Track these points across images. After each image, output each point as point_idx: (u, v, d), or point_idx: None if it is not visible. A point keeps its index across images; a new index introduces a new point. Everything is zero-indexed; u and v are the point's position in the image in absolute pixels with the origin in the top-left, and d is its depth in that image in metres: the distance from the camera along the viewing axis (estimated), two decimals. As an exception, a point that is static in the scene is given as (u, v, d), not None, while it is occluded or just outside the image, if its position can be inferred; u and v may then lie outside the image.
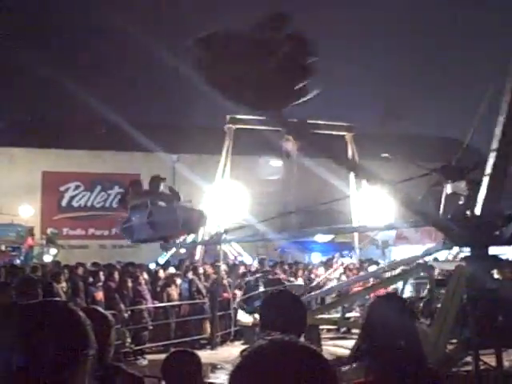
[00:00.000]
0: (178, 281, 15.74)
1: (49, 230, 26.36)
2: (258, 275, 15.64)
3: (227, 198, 16.63)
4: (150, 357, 13.65)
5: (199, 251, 19.83)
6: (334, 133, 19.33)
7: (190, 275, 16.00)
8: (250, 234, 15.80)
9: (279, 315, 2.90)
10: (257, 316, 15.26)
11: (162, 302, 14.94)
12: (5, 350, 1.67)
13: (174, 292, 15.25)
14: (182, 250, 21.43)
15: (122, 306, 13.37)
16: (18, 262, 21.23)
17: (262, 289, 13.61)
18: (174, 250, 21.36)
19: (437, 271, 11.94)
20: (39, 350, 1.63)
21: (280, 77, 6.74)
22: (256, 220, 17.83)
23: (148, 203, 13.07)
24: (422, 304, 10.87)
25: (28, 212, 28.28)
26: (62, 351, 1.65)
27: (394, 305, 2.91)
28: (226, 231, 14.94)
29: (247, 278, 15.58)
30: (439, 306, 8.94)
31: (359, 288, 15.62)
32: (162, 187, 13.87)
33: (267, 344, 1.33)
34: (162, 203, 13.14)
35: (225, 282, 16.35)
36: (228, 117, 18.03)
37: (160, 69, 23.95)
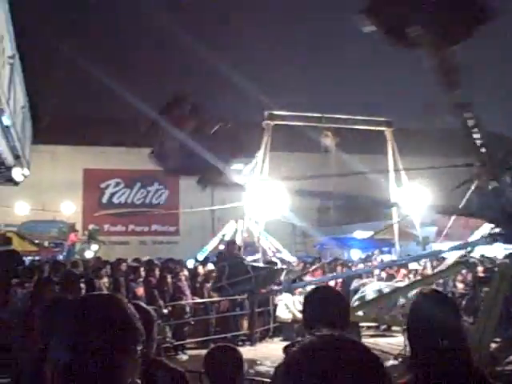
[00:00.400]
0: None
1: (90, 227, 26.78)
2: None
3: (266, 195, 16.59)
4: (190, 352, 13.74)
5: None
6: (373, 128, 19.13)
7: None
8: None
9: (323, 311, 2.87)
10: (294, 311, 15.31)
11: (202, 298, 15.01)
12: (54, 345, 1.68)
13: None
14: (221, 246, 21.54)
15: (161, 301, 13.48)
16: (60, 257, 21.64)
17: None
18: (211, 244, 21.51)
19: (480, 268, 11.72)
20: (89, 344, 1.63)
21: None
22: (295, 216, 17.84)
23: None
24: (464, 301, 10.70)
25: (70, 209, 28.79)
26: (111, 345, 1.65)
27: (438, 302, 2.84)
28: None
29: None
30: (482, 303, 8.77)
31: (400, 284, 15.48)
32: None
33: (317, 339, 1.30)
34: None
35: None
36: (266, 113, 17.98)
37: (200, 67, 24.05)
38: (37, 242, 22.85)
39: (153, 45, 28.66)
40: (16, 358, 7.53)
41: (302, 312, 3.08)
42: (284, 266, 15.08)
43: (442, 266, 13.21)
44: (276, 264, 14.39)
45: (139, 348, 1.73)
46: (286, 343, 12.20)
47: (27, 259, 18.99)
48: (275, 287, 14.20)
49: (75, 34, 24.78)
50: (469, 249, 10.60)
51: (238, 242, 20.03)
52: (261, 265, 13.96)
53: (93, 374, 1.62)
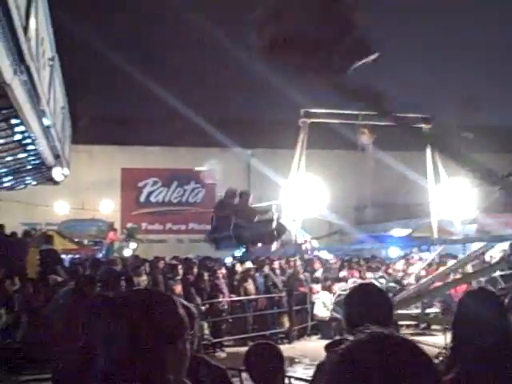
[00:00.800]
0: (255, 275, 15.86)
1: (128, 225, 27.09)
2: None
3: (303, 193, 16.54)
4: (227, 350, 13.80)
5: (275, 245, 19.86)
6: (411, 125, 18.89)
7: (266, 270, 16.08)
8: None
9: (367, 308, 2.84)
10: (334, 311, 15.26)
11: (239, 295, 15.07)
12: (102, 340, 1.70)
13: (250, 286, 15.36)
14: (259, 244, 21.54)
15: (199, 299, 13.56)
16: (99, 255, 21.94)
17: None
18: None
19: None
20: (138, 338, 1.65)
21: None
22: (332, 214, 17.73)
23: (232, 217, 13.30)
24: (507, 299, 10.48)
25: (108, 207, 29.20)
26: (161, 339, 1.66)
27: (485, 300, 2.79)
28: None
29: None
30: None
31: (440, 283, 15.28)
32: (251, 199, 14.08)
33: (367, 337, 1.28)
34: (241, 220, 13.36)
35: (301, 276, 16.34)
36: (303, 111, 17.91)
37: (235, 64, 24.06)
38: (76, 240, 23.22)
39: (189, 44, 28.76)
40: (56, 355, 7.67)
41: (345, 310, 3.05)
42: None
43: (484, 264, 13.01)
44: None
45: (188, 344, 1.74)
46: (323, 341, 12.19)
47: (67, 257, 19.33)
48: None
49: (112, 34, 25.04)
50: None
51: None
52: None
53: (143, 369, 1.63)
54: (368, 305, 2.87)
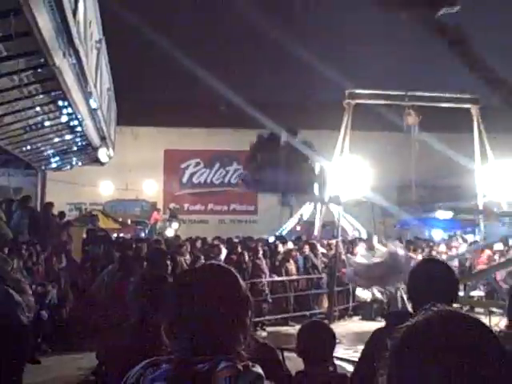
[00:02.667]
0: (297, 256, 15.91)
1: (171, 205, 27.41)
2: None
3: (347, 174, 16.48)
4: (268, 329, 13.92)
5: (317, 228, 19.87)
6: (458, 106, 18.58)
7: (307, 251, 16.09)
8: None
9: (431, 285, 2.74)
10: (374, 290, 15.21)
11: (281, 275, 15.14)
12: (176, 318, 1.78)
13: (292, 267, 15.42)
14: (298, 228, 21.58)
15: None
16: (142, 235, 22.28)
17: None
18: (290, 223, 21.58)
19: None
20: (211, 314, 1.73)
21: None
22: (376, 195, 17.61)
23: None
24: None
25: (152, 188, 29.58)
26: (236, 309, 1.75)
27: None
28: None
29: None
30: None
31: (483, 266, 15.08)
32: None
33: (434, 316, 1.28)
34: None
35: (343, 257, 16.30)
36: (347, 92, 17.80)
37: (278, 46, 23.96)
38: (120, 220, 23.62)
39: (232, 29, 28.73)
40: (101, 331, 7.87)
41: (408, 284, 2.98)
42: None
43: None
44: None
45: (250, 319, 1.82)
46: (364, 322, 12.14)
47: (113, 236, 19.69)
48: None
49: (157, 18, 25.18)
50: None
51: (317, 221, 20.07)
52: None
53: (212, 343, 1.71)
54: (432, 281, 2.79)
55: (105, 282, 8.73)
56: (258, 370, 1.73)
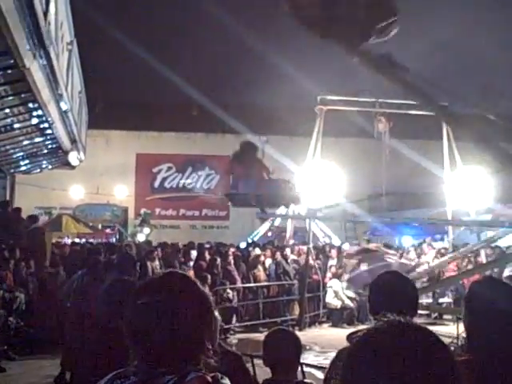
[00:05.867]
0: (267, 262, 15.89)
1: (142, 211, 27.25)
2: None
3: (318, 180, 16.56)
4: (238, 336, 13.88)
5: (289, 233, 19.92)
6: (428, 113, 18.76)
7: (278, 257, 16.09)
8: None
9: (389, 296, 2.83)
10: (343, 298, 15.29)
11: (249, 282, 15.13)
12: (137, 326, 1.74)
13: (260, 273, 15.40)
14: (269, 233, 21.61)
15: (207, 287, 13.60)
16: (113, 240, 22.10)
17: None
18: (262, 229, 21.59)
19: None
20: (174, 319, 1.70)
21: (365, 14, 7.46)
22: (347, 201, 17.70)
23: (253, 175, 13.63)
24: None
25: (123, 193, 29.36)
26: (194, 315, 1.72)
27: (499, 289, 2.78)
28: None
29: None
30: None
31: (452, 273, 15.25)
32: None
33: (384, 326, 1.30)
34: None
35: (314, 263, 16.35)
36: (319, 98, 17.89)
37: (250, 51, 24.01)
38: (91, 224, 23.39)
39: (203, 32, 28.70)
40: (69, 338, 7.76)
41: (368, 297, 3.04)
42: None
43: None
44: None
45: (215, 327, 1.80)
46: (334, 329, 12.20)
47: (82, 241, 19.48)
48: None
49: (129, 20, 25.07)
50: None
51: (289, 226, 20.11)
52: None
53: (177, 353, 1.69)
54: (391, 293, 2.86)
55: (73, 287, 8.62)
56: (227, 382, 1.71)
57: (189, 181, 32.25)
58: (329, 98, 17.96)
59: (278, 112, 28.12)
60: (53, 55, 9.88)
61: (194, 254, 15.48)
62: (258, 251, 16.58)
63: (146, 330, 1.70)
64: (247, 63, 28.12)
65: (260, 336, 13.24)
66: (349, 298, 15.49)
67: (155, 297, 1.73)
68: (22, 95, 11.13)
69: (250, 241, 20.23)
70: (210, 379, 1.66)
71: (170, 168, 32.01)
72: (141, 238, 22.72)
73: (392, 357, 1.20)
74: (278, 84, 24.74)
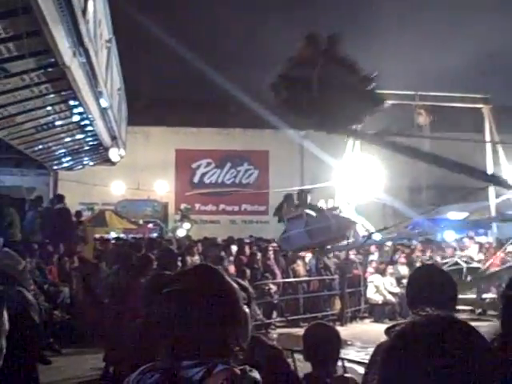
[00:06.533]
0: (307, 257, 15.85)
1: (182, 206, 27.42)
2: None
3: (357, 174, 16.40)
4: (279, 330, 13.88)
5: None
6: (469, 106, 18.40)
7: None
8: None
9: (427, 290, 2.77)
10: (384, 293, 15.14)
11: (289, 277, 15.12)
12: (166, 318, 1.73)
13: (300, 268, 15.38)
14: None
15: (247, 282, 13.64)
16: (154, 235, 22.32)
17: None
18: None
19: None
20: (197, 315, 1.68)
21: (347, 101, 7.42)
22: (388, 196, 17.50)
23: (303, 214, 13.85)
24: None
25: (163, 188, 29.61)
26: (220, 310, 1.71)
27: None
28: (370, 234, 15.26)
29: None
30: None
31: (496, 268, 14.95)
32: (309, 199, 14.68)
33: (423, 321, 1.27)
34: (313, 213, 13.98)
35: (355, 259, 16.25)
36: (359, 91, 17.72)
37: (289, 46, 23.93)
38: (133, 220, 23.69)
39: (241, 27, 28.73)
40: (109, 334, 7.84)
41: (406, 291, 2.99)
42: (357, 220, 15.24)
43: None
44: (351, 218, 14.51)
45: (245, 310, 1.78)
46: (376, 324, 12.10)
47: (125, 237, 19.76)
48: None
49: (168, 17, 25.22)
50: None
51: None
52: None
53: (204, 346, 1.67)
54: (429, 287, 2.80)
55: (109, 282, 8.66)
56: (256, 375, 1.69)
57: (228, 176, 32.35)
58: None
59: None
60: (92, 53, 10.00)
61: (234, 248, 15.56)
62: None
63: (171, 319, 1.70)
64: (285, 57, 28.04)
65: (300, 331, 13.20)
66: (391, 293, 15.35)
67: (180, 287, 1.73)
68: (63, 93, 11.30)
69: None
70: (238, 372, 1.65)
71: (209, 163, 32.16)
72: (181, 233, 22.87)
73: (430, 352, 1.17)
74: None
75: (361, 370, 6.27)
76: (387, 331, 2.71)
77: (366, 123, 18.04)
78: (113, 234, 20.49)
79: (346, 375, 3.62)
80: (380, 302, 15.36)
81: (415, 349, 1.19)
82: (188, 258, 12.85)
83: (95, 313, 10.47)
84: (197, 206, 31.04)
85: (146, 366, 1.74)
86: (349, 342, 11.96)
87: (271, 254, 15.26)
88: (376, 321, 15.02)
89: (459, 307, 14.56)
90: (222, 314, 1.71)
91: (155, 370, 1.70)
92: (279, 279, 14.74)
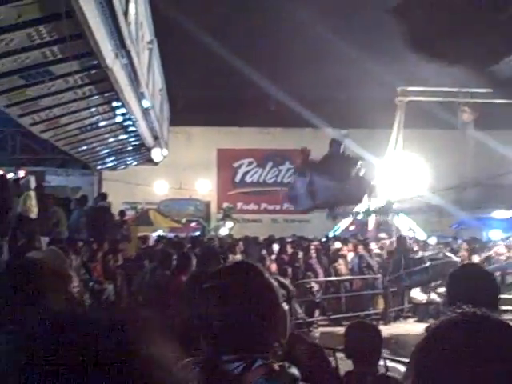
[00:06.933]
0: (349, 256, 15.75)
1: (224, 205, 27.56)
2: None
3: (399, 172, 16.23)
4: (321, 329, 13.83)
5: (371, 227, 19.63)
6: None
7: (361, 250, 15.92)
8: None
9: (466, 288, 2.72)
10: (429, 292, 14.91)
11: (330, 276, 15.04)
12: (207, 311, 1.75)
13: (341, 267, 15.29)
14: (352, 227, 21.37)
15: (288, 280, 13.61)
16: (196, 234, 22.50)
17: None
18: (344, 223, 21.39)
19: None
20: (237, 311, 1.69)
21: None
22: (430, 194, 17.25)
23: (309, 173, 13.38)
24: None
25: (205, 187, 29.81)
26: (259, 305, 1.71)
27: None
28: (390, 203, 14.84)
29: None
30: None
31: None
32: (341, 149, 14.10)
33: (458, 317, 1.24)
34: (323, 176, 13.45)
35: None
36: (399, 89, 17.53)
37: (328, 44, 23.79)
38: (176, 219, 23.94)
39: (280, 27, 28.68)
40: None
41: (446, 289, 2.94)
42: (458, 259, 14.76)
43: None
44: (450, 257, 14.17)
45: (284, 308, 1.78)
46: (419, 324, 11.94)
47: (171, 235, 19.97)
48: None
49: (208, 17, 25.37)
50: None
51: (371, 221, 19.82)
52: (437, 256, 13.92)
53: (244, 342, 1.68)
54: (469, 285, 2.76)
55: (145, 280, 8.66)
56: (295, 371, 1.69)
57: (269, 175, 32.35)
58: (409, 88, 17.54)
59: (358, 105, 27.72)
60: (134, 54, 10.13)
61: (275, 247, 15.56)
62: (338, 245, 16.46)
63: (210, 314, 1.71)
64: (324, 56, 27.89)
65: (343, 330, 13.14)
66: (435, 292, 15.11)
67: (220, 282, 1.74)
68: (106, 94, 11.49)
69: (331, 235, 20.09)
70: (276, 367, 1.65)
71: (250, 163, 32.23)
72: (223, 232, 22.99)
73: (464, 351, 1.15)
74: (356, 76, 24.39)
75: (403, 369, 6.19)
76: (427, 330, 2.67)
77: (408, 121, 17.87)
78: (159, 233, 20.73)
79: (389, 374, 3.58)
80: (424, 301, 15.13)
81: (448, 345, 1.17)
82: (230, 257, 12.90)
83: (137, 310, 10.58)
84: (239, 204, 31.15)
85: (187, 361, 1.76)
86: (392, 341, 11.84)
87: (313, 252, 15.20)
88: (420, 320, 14.81)
89: (504, 307, 14.28)
90: (260, 309, 1.72)
91: (195, 365, 1.72)
92: (321, 278, 14.68)
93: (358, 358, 3.32)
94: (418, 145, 18.62)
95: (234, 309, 1.70)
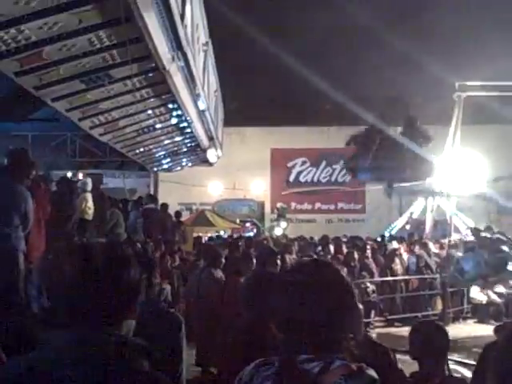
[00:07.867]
0: (405, 255, 15.53)
1: (278, 205, 27.61)
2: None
3: (458, 168, 15.89)
4: (377, 330, 13.66)
5: (428, 226, 19.30)
6: None
7: (417, 250, 15.66)
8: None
9: None
10: (489, 293, 14.53)
11: (386, 276, 14.85)
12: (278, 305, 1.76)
13: (397, 267, 15.07)
14: (407, 226, 21.05)
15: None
16: (251, 234, 22.60)
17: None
18: (400, 222, 21.11)
19: None
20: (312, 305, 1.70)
21: None
22: (492, 191, 16.84)
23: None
24: None
25: (259, 187, 29.93)
26: (337, 303, 1.71)
27: None
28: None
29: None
30: None
31: None
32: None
33: None
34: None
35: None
36: (457, 84, 17.16)
37: (381, 41, 23.55)
38: (230, 219, 24.13)
39: (333, 25, 28.53)
40: (197, 335, 7.84)
41: None
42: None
43: None
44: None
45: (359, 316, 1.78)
46: (479, 325, 11.63)
47: (225, 236, 20.13)
48: None
49: (261, 18, 25.48)
50: None
51: (428, 219, 19.48)
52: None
53: (323, 341, 1.68)
54: None
55: (195, 280, 8.62)
56: (373, 373, 1.67)
57: (323, 174, 32.20)
58: (468, 83, 17.17)
59: (413, 101, 27.29)
60: (190, 57, 10.23)
61: (331, 247, 15.46)
62: (395, 244, 16.24)
63: (289, 310, 1.71)
64: (378, 54, 27.59)
65: (400, 331, 12.94)
66: (496, 293, 14.73)
67: (297, 277, 1.74)
68: (163, 96, 11.65)
69: (387, 234, 19.86)
70: (355, 368, 1.64)
71: (304, 162, 32.16)
72: (278, 232, 23.02)
73: None
74: (411, 73, 24.04)
75: (465, 372, 6.07)
76: (497, 330, 2.61)
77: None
78: (219, 233, 20.92)
79: (457, 375, 3.51)
80: (484, 301, 14.77)
81: None
82: (286, 256, 12.89)
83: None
84: (293, 204, 31.14)
85: (260, 361, 1.76)
86: (451, 343, 11.60)
87: (369, 252, 15.04)
88: (480, 321, 14.46)
89: None
90: (340, 308, 1.71)
91: (271, 364, 1.72)
92: (377, 278, 14.51)
93: (426, 359, 3.26)
94: (477, 141, 18.21)
95: (315, 306, 1.69)
